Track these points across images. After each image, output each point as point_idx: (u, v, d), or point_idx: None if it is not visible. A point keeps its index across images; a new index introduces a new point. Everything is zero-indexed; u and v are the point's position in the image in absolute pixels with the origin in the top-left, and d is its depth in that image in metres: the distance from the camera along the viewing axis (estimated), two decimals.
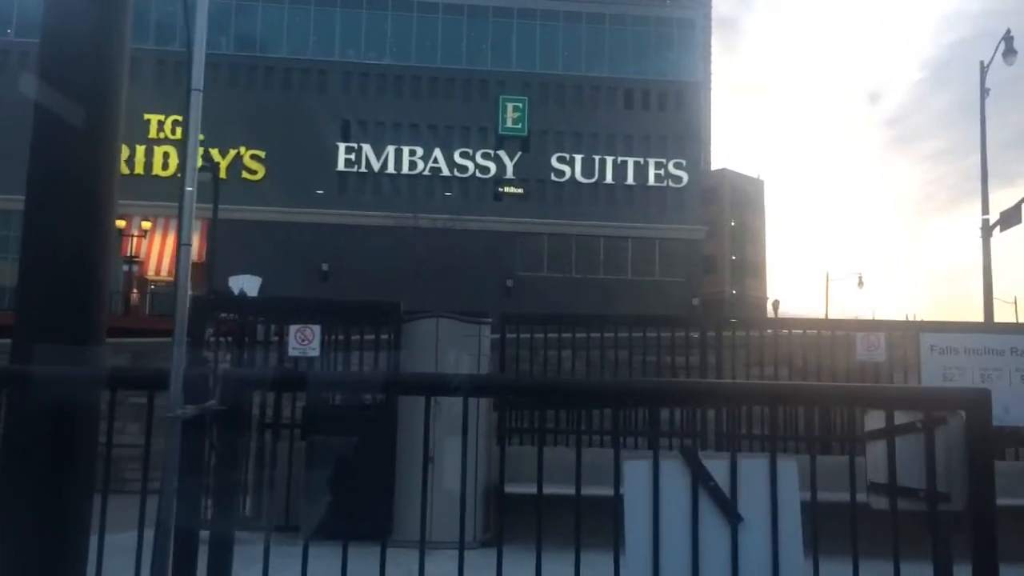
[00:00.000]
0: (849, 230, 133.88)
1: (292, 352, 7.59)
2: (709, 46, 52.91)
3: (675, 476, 2.90)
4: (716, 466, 2.86)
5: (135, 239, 41.80)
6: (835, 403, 7.56)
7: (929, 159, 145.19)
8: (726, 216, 64.47)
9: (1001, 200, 27.73)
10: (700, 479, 2.75)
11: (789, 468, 2.89)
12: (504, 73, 48.92)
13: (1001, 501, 2.86)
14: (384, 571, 2.76)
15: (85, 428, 3.10)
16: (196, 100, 2.67)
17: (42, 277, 3.02)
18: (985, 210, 26.73)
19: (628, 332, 8.90)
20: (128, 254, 41.58)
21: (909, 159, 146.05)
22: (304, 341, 7.54)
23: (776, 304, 62.67)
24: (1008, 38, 27.21)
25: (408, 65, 48.23)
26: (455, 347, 7.52)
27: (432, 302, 32.54)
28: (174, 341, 2.77)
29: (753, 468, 2.89)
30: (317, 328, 7.59)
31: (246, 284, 43.42)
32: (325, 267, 43.88)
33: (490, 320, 7.87)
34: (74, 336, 2.96)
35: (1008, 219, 27.35)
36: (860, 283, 54.40)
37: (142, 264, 42.96)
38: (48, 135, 3.01)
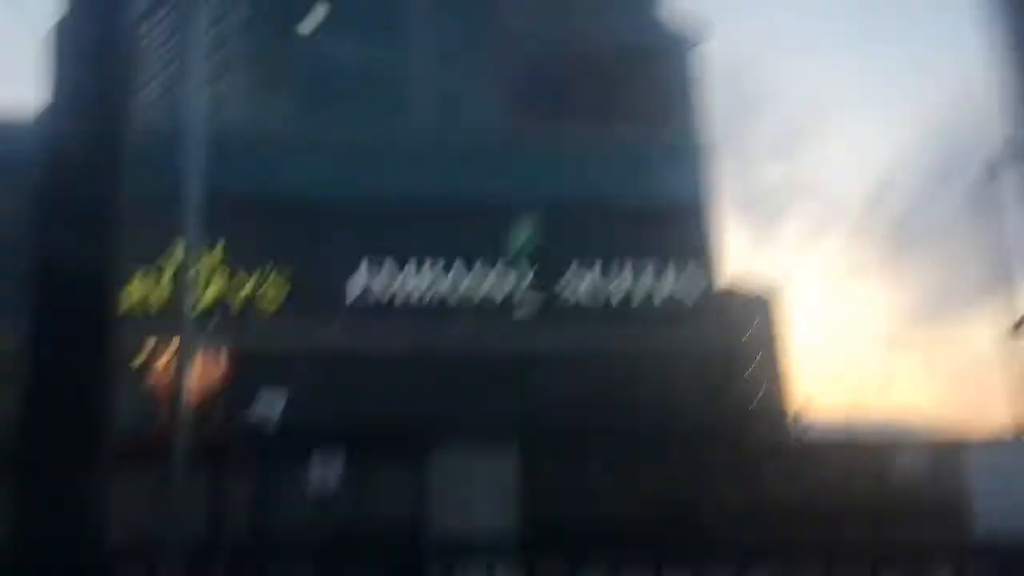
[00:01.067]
0: (864, 342, 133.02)
1: (314, 484, 7.56)
2: (712, 167, 54.09)
3: None
4: None
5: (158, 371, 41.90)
6: None
7: (933, 265, 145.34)
8: (742, 327, 64.37)
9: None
10: None
11: None
12: (512, 197, 49.89)
13: None
14: None
15: None
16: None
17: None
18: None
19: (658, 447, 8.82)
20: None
21: (913, 265, 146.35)
22: (327, 470, 7.53)
23: (804, 408, 61.70)
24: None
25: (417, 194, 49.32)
26: (479, 483, 7.50)
27: (447, 425, 32.08)
28: None
29: None
30: (341, 459, 7.59)
31: (271, 405, 43.55)
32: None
33: (514, 455, 7.85)
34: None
35: None
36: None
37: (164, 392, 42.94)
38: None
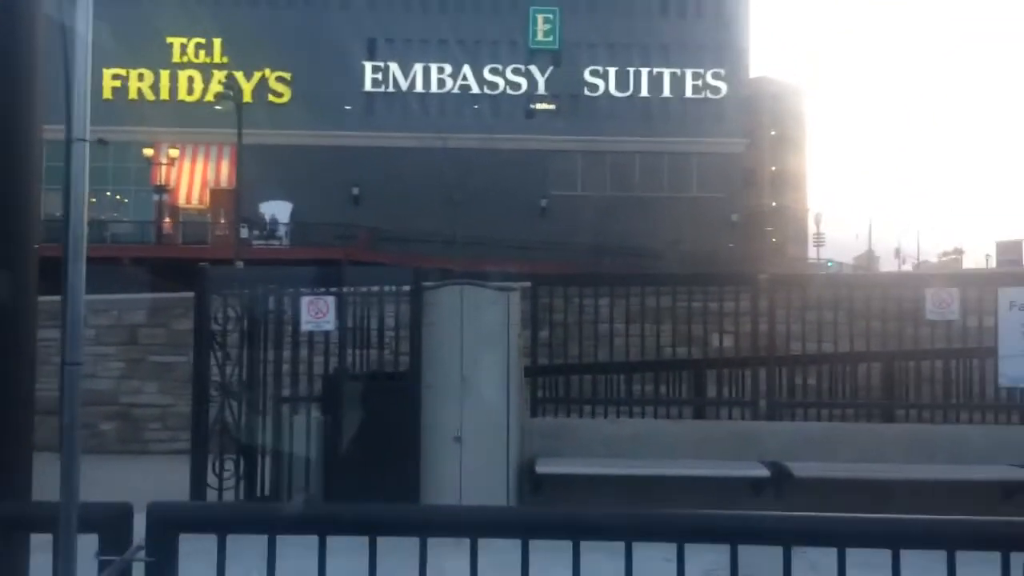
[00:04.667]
0: (894, 135, 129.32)
1: (305, 326, 7.00)
2: None
3: None
4: None
5: (164, 167, 41.32)
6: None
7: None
8: (766, 126, 62.27)
9: None
10: None
11: None
12: None
13: None
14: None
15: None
16: (80, 152, 1.95)
17: None
18: None
19: (671, 291, 8.13)
20: (158, 183, 41.22)
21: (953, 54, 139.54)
22: (318, 314, 6.94)
23: (818, 218, 61.08)
24: None
25: None
26: (482, 318, 6.88)
27: (463, 226, 31.97)
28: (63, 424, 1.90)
29: None
30: (332, 299, 6.97)
31: (277, 210, 43.29)
32: (355, 191, 43.20)
33: (518, 288, 7.18)
34: None
35: None
36: (904, 178, 52.45)
37: (172, 193, 42.61)
38: None
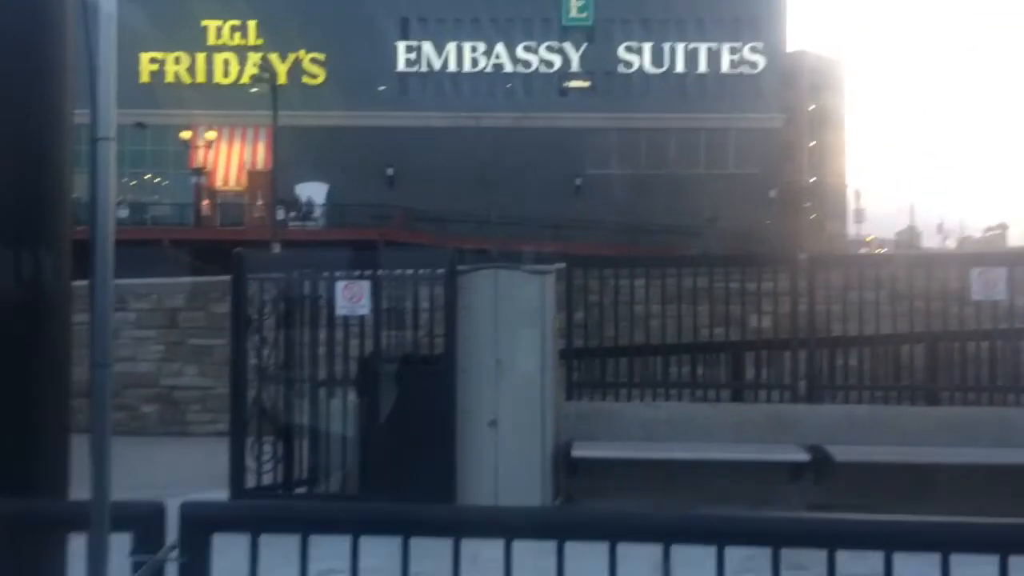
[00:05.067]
0: (941, 109, 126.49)
1: (341, 311, 7.02)
2: None
3: None
4: None
5: (202, 150, 41.72)
6: None
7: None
8: (804, 101, 61.21)
9: None
10: None
11: None
12: None
13: None
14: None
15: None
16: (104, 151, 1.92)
17: None
18: None
19: (708, 272, 8.03)
20: (196, 166, 41.65)
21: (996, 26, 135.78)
22: (353, 299, 6.95)
23: (857, 194, 60.04)
24: None
25: None
26: (516, 302, 6.84)
27: (498, 205, 31.83)
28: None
29: None
30: (367, 284, 6.97)
31: (313, 191, 43.55)
32: (390, 172, 43.28)
33: (553, 270, 7.13)
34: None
35: None
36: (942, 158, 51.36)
37: (210, 175, 43.03)
38: None
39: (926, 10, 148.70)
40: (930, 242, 69.71)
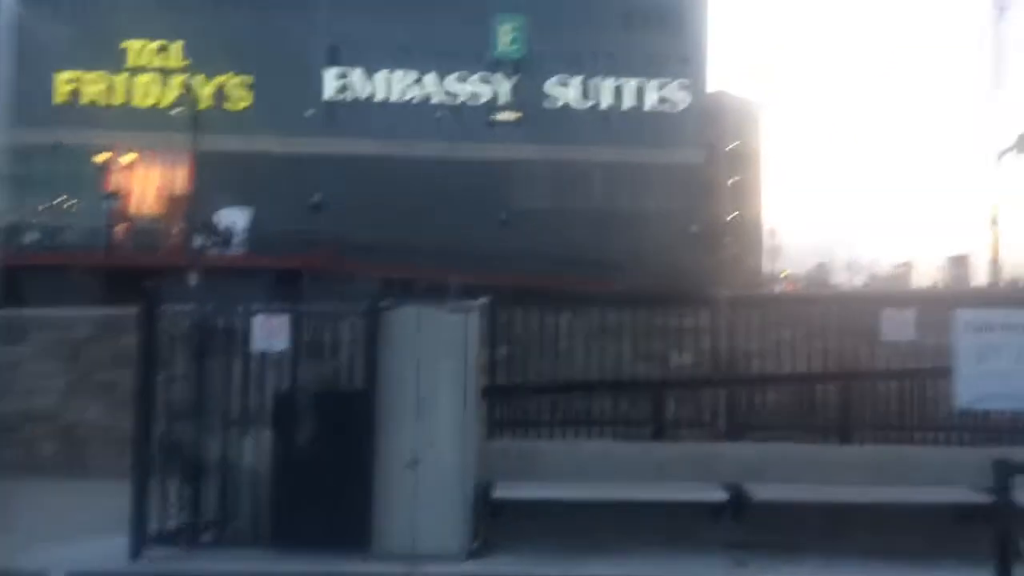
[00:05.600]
0: (852, 149, 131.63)
1: (257, 346, 6.80)
2: None
3: None
4: None
5: (118, 173, 40.54)
6: None
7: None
8: (724, 139, 62.88)
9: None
10: None
11: None
12: None
13: None
14: None
15: None
16: None
17: None
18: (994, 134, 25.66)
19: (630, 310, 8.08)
20: (111, 189, 40.37)
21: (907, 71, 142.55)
22: (271, 333, 6.75)
23: (773, 231, 61.80)
24: None
25: None
26: (439, 340, 6.74)
27: (426, 236, 31.59)
28: None
29: None
30: (285, 318, 6.78)
31: (235, 217, 42.65)
32: (316, 199, 42.68)
33: (477, 306, 7.05)
34: None
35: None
36: (856, 200, 53.24)
37: (126, 199, 41.75)
38: None
39: (840, 55, 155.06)
40: (840, 278, 72.15)
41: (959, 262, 76.17)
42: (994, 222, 25.09)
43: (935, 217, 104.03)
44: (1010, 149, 25.24)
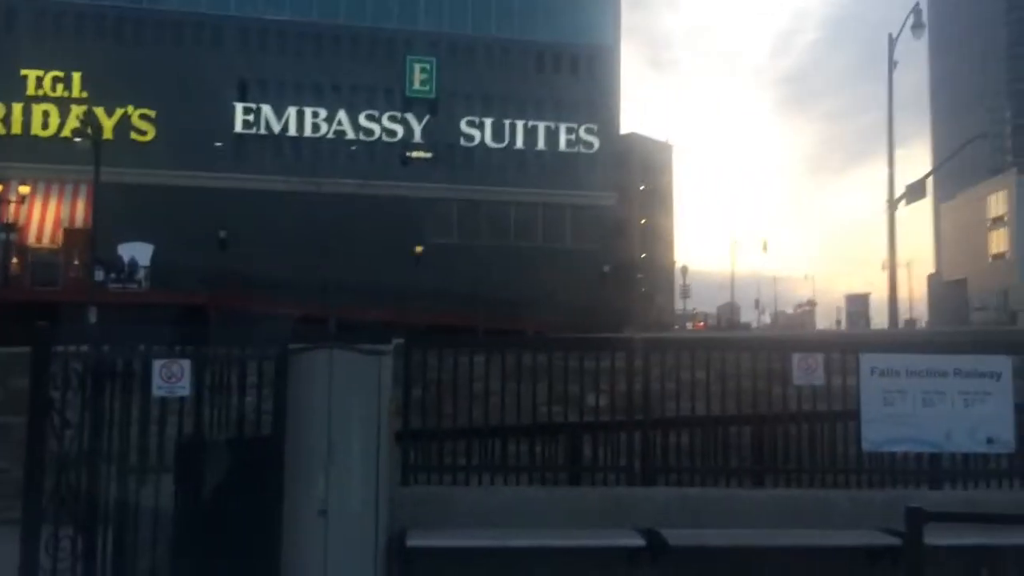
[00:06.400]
0: (752, 191, 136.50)
1: (158, 391, 6.45)
2: (619, 8, 52.02)
3: None
4: None
5: (13, 204, 38.76)
6: None
7: (824, 118, 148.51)
8: (635, 181, 64.37)
9: (896, 160, 27.82)
10: None
11: None
12: (411, 32, 47.14)
13: None
14: None
15: None
16: None
17: None
18: (891, 186, 26.93)
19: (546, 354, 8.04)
20: (6, 220, 38.58)
21: (807, 117, 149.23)
22: (172, 378, 6.42)
23: (684, 269, 63.29)
24: (917, 11, 27.37)
25: (309, 21, 45.93)
26: (351, 384, 6.53)
27: (338, 272, 31.06)
28: None
29: None
30: (187, 363, 6.46)
31: (137, 252, 41.17)
32: (223, 235, 41.66)
33: (390, 349, 6.88)
34: None
35: (913, 193, 27.70)
36: (765, 248, 55.39)
37: (22, 231, 39.95)
38: None
39: (745, 99, 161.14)
40: (748, 316, 74.31)
41: (857, 300, 79.64)
42: (884, 267, 26.36)
43: (837, 257, 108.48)
44: (901, 198, 26.59)
